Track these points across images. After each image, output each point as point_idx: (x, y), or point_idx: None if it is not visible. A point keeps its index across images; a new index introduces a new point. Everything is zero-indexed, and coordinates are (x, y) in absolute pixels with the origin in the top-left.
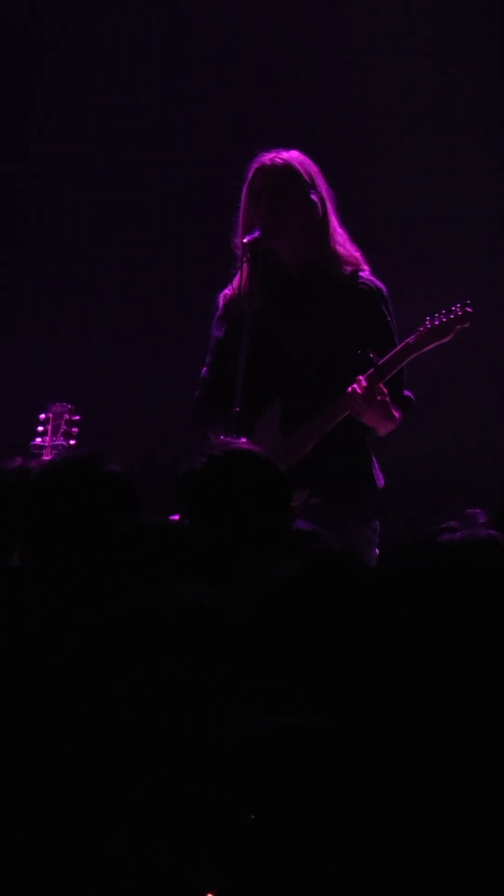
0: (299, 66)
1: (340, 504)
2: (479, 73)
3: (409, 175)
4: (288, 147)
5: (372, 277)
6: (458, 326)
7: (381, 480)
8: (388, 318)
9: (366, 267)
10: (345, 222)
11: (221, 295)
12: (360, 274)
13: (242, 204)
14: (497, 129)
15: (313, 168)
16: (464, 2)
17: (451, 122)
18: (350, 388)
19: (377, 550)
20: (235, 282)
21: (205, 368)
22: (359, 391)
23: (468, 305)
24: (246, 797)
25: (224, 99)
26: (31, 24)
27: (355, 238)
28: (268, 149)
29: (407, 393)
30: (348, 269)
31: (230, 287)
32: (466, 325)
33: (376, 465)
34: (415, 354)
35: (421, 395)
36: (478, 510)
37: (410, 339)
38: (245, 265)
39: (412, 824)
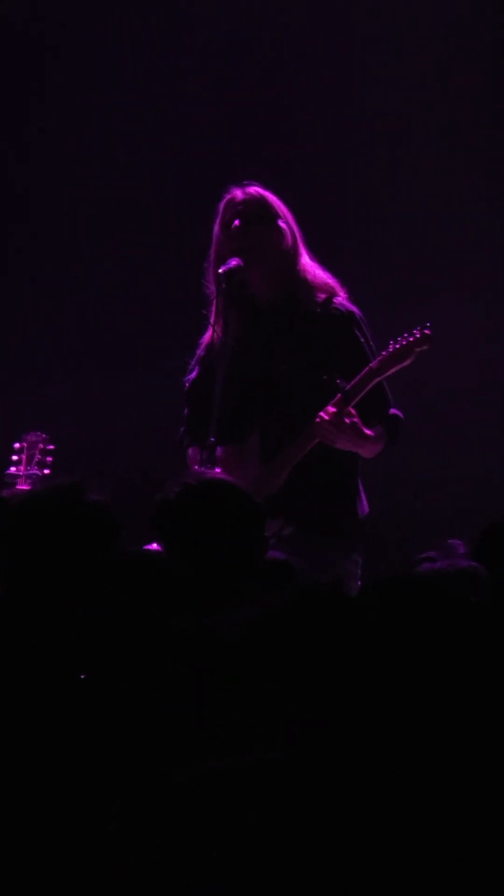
0: (299, 81)
1: (321, 535)
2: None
3: (407, 188)
4: (255, 183)
5: (345, 302)
6: (417, 349)
7: (364, 509)
8: (362, 341)
9: (341, 293)
10: (340, 237)
11: (201, 342)
12: (334, 300)
13: (214, 239)
14: (493, 144)
15: (280, 202)
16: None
17: (451, 136)
18: (317, 418)
19: (360, 583)
20: (211, 323)
21: (186, 408)
22: (326, 418)
23: (426, 328)
24: (204, 840)
25: (223, 111)
26: (31, 25)
27: (353, 255)
28: (236, 183)
29: (394, 411)
30: (321, 296)
31: (208, 332)
32: (425, 348)
33: (362, 494)
34: (378, 378)
35: (408, 420)
36: (458, 541)
37: (374, 364)
38: (220, 297)
39: (380, 860)
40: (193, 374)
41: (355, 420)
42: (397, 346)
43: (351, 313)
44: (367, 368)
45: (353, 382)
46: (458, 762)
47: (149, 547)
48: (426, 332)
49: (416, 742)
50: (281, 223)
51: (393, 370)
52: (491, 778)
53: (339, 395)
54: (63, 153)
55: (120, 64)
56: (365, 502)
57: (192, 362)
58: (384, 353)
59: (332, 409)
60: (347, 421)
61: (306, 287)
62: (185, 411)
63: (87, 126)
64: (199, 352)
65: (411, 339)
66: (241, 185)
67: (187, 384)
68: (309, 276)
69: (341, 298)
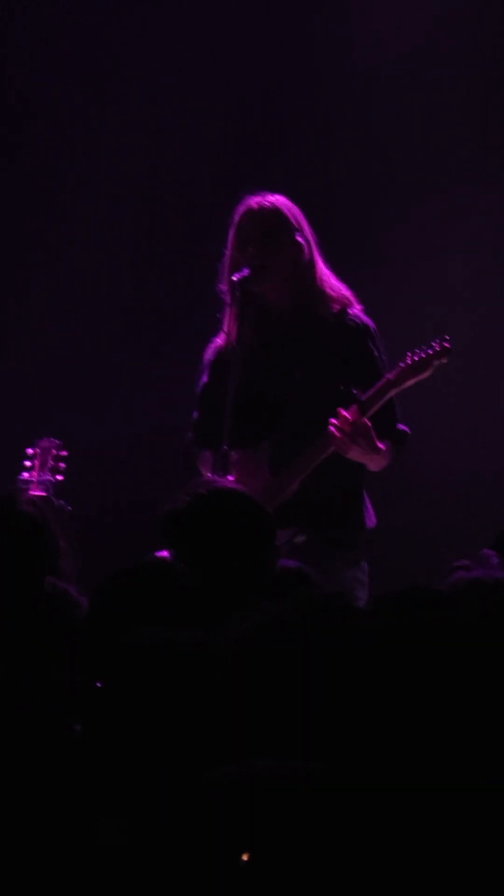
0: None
1: (328, 545)
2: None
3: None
4: (272, 191)
5: (360, 314)
6: (436, 362)
7: (372, 520)
8: (376, 354)
9: (356, 304)
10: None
11: (212, 346)
12: (349, 311)
13: (229, 247)
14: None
15: (298, 212)
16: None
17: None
18: (331, 426)
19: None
20: (224, 328)
21: (195, 412)
22: (341, 427)
23: (446, 341)
24: (237, 839)
25: (230, 116)
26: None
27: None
28: (253, 192)
29: (402, 426)
30: (336, 307)
31: (220, 336)
32: (444, 361)
33: (368, 505)
34: (395, 390)
35: (418, 426)
36: (491, 551)
37: (391, 375)
38: (233, 304)
39: (406, 875)
40: (205, 379)
41: (370, 432)
42: (415, 358)
43: (366, 326)
44: (385, 380)
45: (369, 393)
46: (464, 777)
47: (159, 554)
48: (445, 344)
49: (423, 762)
50: (297, 236)
51: (410, 382)
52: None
53: (354, 404)
54: (66, 157)
55: (126, 68)
56: (372, 514)
57: (203, 366)
58: (402, 364)
59: (349, 418)
60: (361, 431)
61: (321, 298)
62: (195, 415)
63: (98, 133)
64: (210, 356)
65: (430, 351)
66: (258, 196)
67: (199, 388)
68: (325, 287)
69: (356, 310)
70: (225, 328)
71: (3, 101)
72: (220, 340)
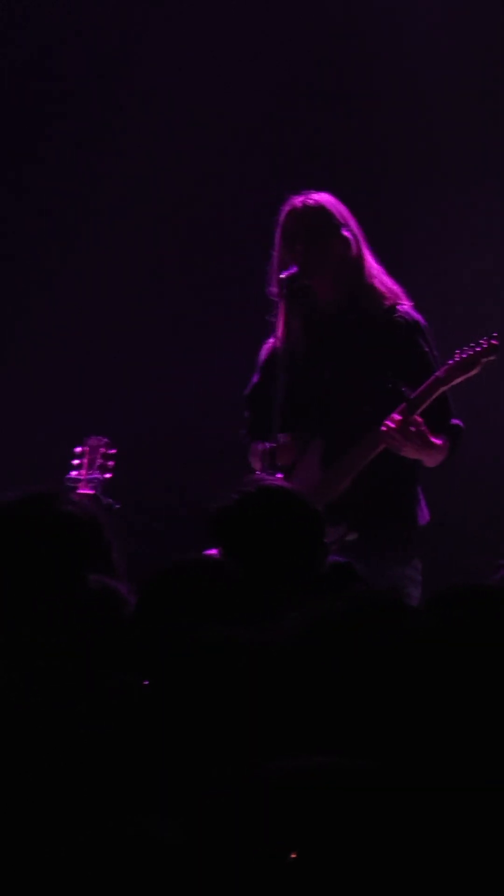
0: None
1: (380, 543)
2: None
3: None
4: (317, 190)
5: (409, 310)
6: (484, 359)
7: (424, 517)
8: (426, 350)
9: (405, 301)
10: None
11: (265, 345)
12: (398, 307)
13: (276, 248)
14: None
15: (343, 208)
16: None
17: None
18: (383, 425)
19: (418, 589)
20: (276, 327)
21: (246, 411)
22: (392, 426)
23: (493, 338)
24: (288, 834)
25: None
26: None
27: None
28: (297, 192)
29: (455, 421)
30: (386, 303)
31: (273, 337)
32: (492, 358)
33: (422, 501)
34: (444, 388)
35: (472, 424)
36: None
37: (440, 373)
38: (282, 303)
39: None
40: (255, 379)
41: (422, 428)
42: (463, 356)
43: (416, 322)
44: (433, 377)
45: (418, 391)
46: None
47: (208, 552)
48: (493, 341)
49: (476, 761)
50: (344, 232)
51: (458, 380)
52: None
53: (403, 403)
54: (66, 156)
55: (148, 101)
56: (426, 510)
57: (256, 365)
58: (450, 362)
59: (397, 417)
60: (413, 429)
61: (370, 293)
62: (247, 414)
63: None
64: (262, 357)
65: (478, 348)
66: (301, 195)
67: (248, 389)
68: (375, 283)
69: (406, 307)
70: (276, 327)
71: (11, 103)
72: (271, 341)
